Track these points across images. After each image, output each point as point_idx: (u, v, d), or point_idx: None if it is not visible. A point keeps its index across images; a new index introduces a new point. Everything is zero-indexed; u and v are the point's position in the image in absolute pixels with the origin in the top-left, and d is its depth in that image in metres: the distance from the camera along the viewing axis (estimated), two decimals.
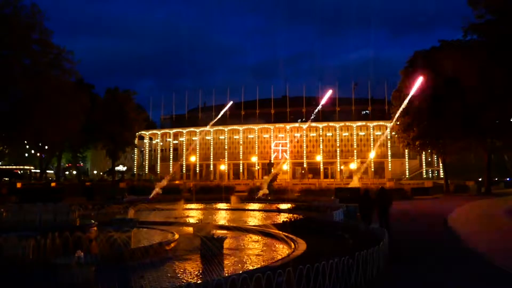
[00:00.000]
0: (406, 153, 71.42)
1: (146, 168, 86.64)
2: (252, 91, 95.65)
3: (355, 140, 79.06)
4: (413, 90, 47.30)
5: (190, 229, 15.33)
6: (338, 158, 77.06)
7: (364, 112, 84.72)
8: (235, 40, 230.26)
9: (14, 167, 74.28)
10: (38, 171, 72.35)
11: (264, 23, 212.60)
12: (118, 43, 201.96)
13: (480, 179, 57.42)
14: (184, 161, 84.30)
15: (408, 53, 50.93)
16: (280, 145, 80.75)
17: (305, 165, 78.84)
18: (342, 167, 75.55)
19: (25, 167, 77.72)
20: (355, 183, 41.80)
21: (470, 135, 43.84)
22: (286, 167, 77.32)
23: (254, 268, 9.20)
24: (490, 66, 26.07)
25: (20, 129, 42.61)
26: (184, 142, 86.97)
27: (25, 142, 57.75)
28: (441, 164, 62.15)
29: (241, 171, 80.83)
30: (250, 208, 29.91)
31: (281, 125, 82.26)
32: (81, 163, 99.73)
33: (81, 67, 50.00)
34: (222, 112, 61.64)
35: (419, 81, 47.11)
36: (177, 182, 63.51)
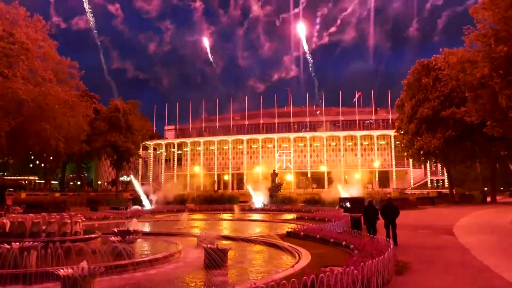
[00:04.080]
0: (411, 162, 71.14)
1: (150, 178, 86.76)
2: (256, 102, 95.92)
3: (359, 149, 78.92)
4: (415, 100, 47.41)
5: (194, 240, 15.28)
6: (342, 167, 76.81)
7: (368, 121, 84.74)
8: (238, 50, 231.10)
9: (18, 177, 74.50)
10: (43, 181, 72.55)
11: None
12: (122, 55, 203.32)
13: (485, 189, 57.07)
14: (188, 171, 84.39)
15: (412, 63, 50.91)
16: (284, 154, 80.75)
17: (309, 175, 78.66)
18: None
19: (30, 177, 77.94)
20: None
21: (475, 144, 43.68)
22: (290, 176, 77.28)
23: (258, 279, 9.14)
24: (492, 75, 26.01)
25: (25, 140, 42.83)
26: (188, 152, 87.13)
27: (30, 153, 58.01)
28: (445, 174, 61.81)
29: (245, 181, 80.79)
30: (254, 218, 29.82)
31: (285, 134, 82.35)
32: (85, 174, 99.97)
33: (85, 78, 50.33)
34: None
35: (421, 90, 47.25)
36: (181, 192, 63.47)
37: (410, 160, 66.80)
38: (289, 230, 17.54)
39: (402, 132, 52.03)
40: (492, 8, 24.63)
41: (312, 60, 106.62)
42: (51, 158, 59.11)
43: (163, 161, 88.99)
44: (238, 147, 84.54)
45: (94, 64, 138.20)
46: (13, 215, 15.61)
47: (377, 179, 75.73)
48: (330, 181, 77.58)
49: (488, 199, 50.33)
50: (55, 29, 44.13)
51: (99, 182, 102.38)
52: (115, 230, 14.21)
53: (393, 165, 77.00)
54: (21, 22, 39.87)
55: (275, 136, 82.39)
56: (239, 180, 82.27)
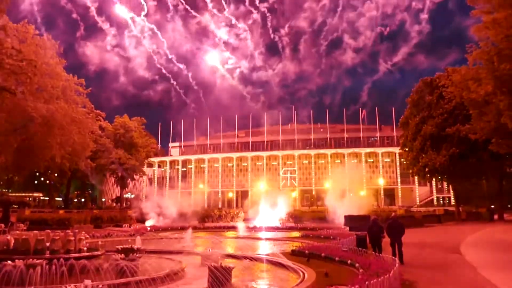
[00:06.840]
0: (416, 180, 70.70)
1: (155, 195, 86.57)
2: (260, 119, 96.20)
3: (363, 167, 78.60)
4: (419, 117, 47.46)
5: (198, 258, 15.18)
6: (347, 185, 76.27)
7: (372, 138, 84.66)
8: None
9: (23, 194, 74.65)
10: (47, 198, 72.67)
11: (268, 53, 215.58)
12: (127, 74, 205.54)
13: (492, 206, 56.44)
14: (192, 188, 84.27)
15: (417, 79, 51.15)
16: (288, 172, 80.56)
17: (313, 192, 78.27)
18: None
19: (34, 194, 78.07)
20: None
21: (480, 161, 43.41)
22: (294, 194, 76.89)
23: None
24: (496, 92, 26.00)
25: (30, 157, 43.03)
26: (192, 170, 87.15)
27: (35, 170, 58.25)
28: (451, 191, 61.28)
29: (249, 198, 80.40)
30: (258, 236, 29.58)
31: (290, 152, 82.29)
32: (90, 191, 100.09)
33: (91, 95, 50.77)
34: None
35: (424, 108, 47.35)
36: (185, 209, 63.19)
37: (416, 177, 66.42)
38: (294, 248, 17.40)
39: (406, 149, 51.91)
40: (495, 27, 24.74)
41: (315, 78, 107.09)
42: (56, 175, 59.29)
43: (168, 178, 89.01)
44: (243, 164, 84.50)
45: (100, 80, 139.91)
46: (17, 232, 15.64)
47: (382, 196, 75.22)
48: (336, 199, 77.27)
49: (496, 216, 49.74)
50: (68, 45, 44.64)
51: (103, 199, 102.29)
52: (119, 247, 14.17)
53: (399, 182, 76.55)
54: (30, 40, 40.47)
55: (279, 153, 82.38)
56: (244, 197, 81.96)
